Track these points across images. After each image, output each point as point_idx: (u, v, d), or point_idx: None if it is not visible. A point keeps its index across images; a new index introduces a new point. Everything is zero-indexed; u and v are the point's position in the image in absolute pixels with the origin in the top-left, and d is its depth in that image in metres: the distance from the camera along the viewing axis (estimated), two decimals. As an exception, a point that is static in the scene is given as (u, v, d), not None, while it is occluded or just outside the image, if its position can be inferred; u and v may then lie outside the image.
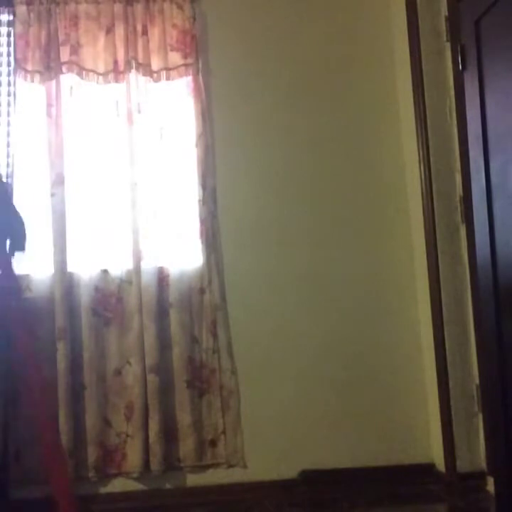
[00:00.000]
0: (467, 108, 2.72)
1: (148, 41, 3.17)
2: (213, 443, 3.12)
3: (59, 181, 3.09)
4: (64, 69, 3.14)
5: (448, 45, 2.95)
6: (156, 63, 3.18)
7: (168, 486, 3.10)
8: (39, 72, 3.13)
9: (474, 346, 2.89)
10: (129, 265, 3.12)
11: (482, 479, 2.88)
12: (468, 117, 2.71)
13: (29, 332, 2.27)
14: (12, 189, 3.07)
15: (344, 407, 3.16)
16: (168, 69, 3.19)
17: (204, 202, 3.17)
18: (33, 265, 3.12)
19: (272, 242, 3.20)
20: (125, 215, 3.14)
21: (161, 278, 3.12)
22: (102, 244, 3.13)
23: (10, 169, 3.08)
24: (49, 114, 3.11)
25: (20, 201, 3.11)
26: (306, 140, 3.26)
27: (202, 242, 3.16)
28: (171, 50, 3.20)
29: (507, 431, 2.49)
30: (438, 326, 2.96)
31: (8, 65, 3.15)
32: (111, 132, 3.19)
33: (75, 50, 3.15)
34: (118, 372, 3.09)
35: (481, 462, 2.86)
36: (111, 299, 3.12)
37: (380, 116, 3.30)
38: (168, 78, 3.20)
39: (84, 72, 3.16)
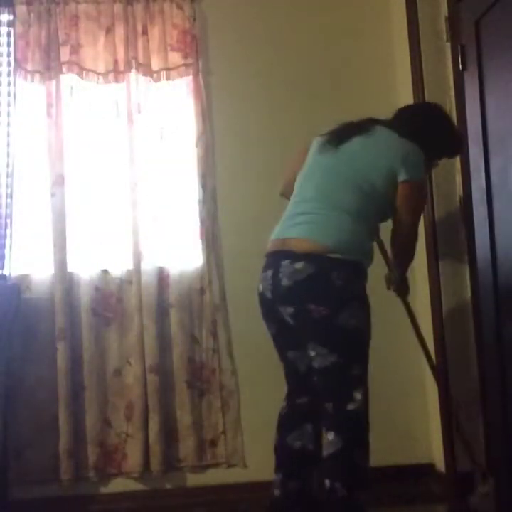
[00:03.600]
0: (467, 108, 2.72)
1: (148, 41, 3.17)
2: (213, 443, 3.12)
3: (59, 181, 3.09)
4: (64, 69, 3.14)
5: (448, 45, 2.94)
6: (156, 63, 3.18)
7: (168, 486, 3.10)
8: (39, 72, 3.13)
9: (474, 346, 2.89)
10: (129, 265, 3.12)
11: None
12: (468, 117, 2.70)
13: None
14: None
15: (344, 407, 3.15)
16: (168, 69, 3.19)
17: (204, 202, 3.17)
18: (33, 265, 3.13)
19: (272, 242, 3.20)
20: (125, 215, 3.14)
21: (161, 278, 3.12)
22: (102, 244, 3.13)
23: (10, 169, 3.08)
24: (49, 114, 3.11)
25: (21, 201, 3.12)
26: (306, 140, 3.25)
27: (202, 242, 3.16)
28: (171, 50, 3.20)
29: (507, 431, 2.49)
30: (438, 327, 2.96)
31: (8, 65, 3.14)
32: (111, 132, 3.19)
33: (75, 50, 3.15)
34: (118, 372, 3.09)
35: (481, 462, 2.85)
36: (111, 299, 3.11)
37: (380, 116, 3.29)
38: (168, 78, 3.19)
39: (84, 72, 3.16)
